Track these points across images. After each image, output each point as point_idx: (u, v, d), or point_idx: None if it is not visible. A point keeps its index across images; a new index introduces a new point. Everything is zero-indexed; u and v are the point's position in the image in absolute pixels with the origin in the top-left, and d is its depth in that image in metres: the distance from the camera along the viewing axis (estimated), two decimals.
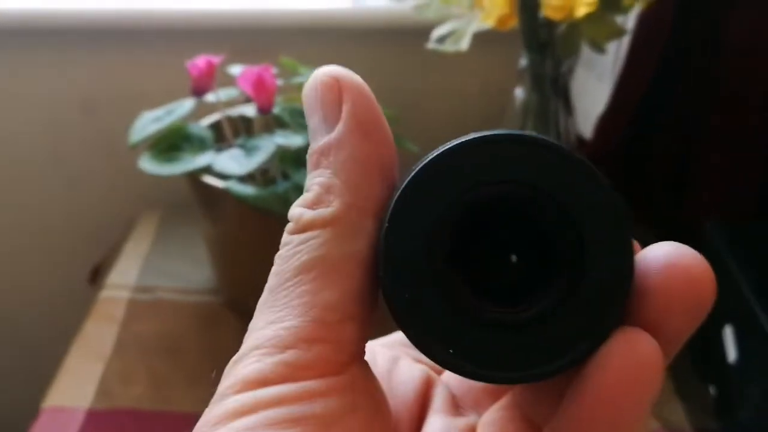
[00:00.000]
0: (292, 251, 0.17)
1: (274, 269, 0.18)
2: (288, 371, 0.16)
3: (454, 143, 0.17)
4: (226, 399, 0.16)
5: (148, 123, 0.62)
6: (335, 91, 0.18)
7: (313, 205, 0.17)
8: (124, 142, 0.62)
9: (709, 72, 0.69)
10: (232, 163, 0.58)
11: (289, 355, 0.16)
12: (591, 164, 0.17)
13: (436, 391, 0.21)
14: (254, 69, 0.59)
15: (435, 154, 0.17)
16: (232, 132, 0.64)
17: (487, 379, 0.17)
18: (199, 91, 0.61)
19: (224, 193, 0.58)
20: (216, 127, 0.64)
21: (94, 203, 0.89)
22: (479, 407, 0.20)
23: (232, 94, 0.64)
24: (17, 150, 0.87)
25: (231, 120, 0.65)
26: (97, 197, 0.89)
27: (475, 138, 0.17)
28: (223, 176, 0.59)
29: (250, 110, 0.63)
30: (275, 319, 0.17)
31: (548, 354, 0.16)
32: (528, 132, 0.17)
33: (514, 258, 0.18)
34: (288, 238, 0.18)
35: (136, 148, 0.61)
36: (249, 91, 0.59)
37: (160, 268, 0.74)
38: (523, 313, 0.17)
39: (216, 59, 0.62)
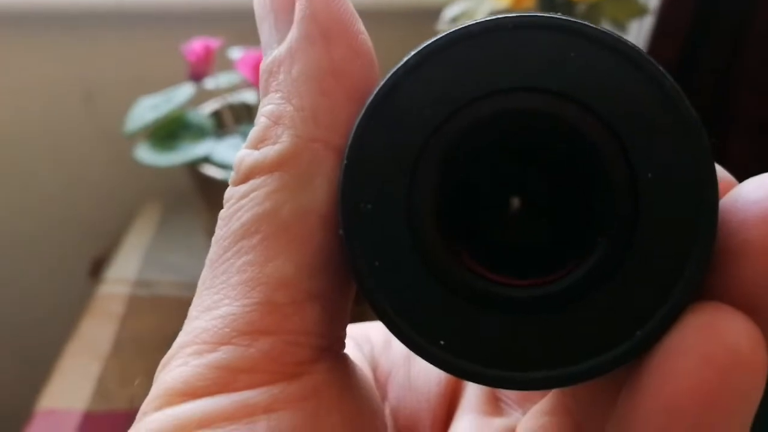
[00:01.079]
0: (232, 209, 0.13)
1: (215, 235, 0.13)
2: (222, 377, 0.12)
3: (446, 33, 0.12)
4: (145, 418, 0.12)
5: (146, 111, 0.59)
6: None
7: (258, 143, 0.13)
8: (123, 131, 0.59)
9: (736, 54, 0.66)
10: (232, 152, 0.55)
11: (222, 354, 0.12)
12: (659, 67, 0.11)
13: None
14: (255, 52, 0.56)
15: (416, 51, 0.12)
16: (233, 119, 0.61)
17: (496, 382, 0.12)
18: (196, 77, 0.58)
19: (224, 184, 0.55)
20: (217, 114, 0.61)
21: (94, 194, 0.87)
22: (527, 402, 0.15)
23: (233, 80, 0.61)
24: (13, 140, 0.84)
25: (233, 107, 0.62)
26: (97, 188, 0.87)
27: (477, 24, 0.11)
28: (223, 166, 0.56)
29: (251, 96, 0.60)
30: (211, 304, 0.13)
31: (588, 344, 0.11)
32: (561, 15, 0.12)
33: (533, 206, 0.12)
34: (230, 192, 0.13)
35: (134, 137, 0.58)
36: (249, 75, 0.56)
37: (161, 262, 0.72)
38: (550, 287, 0.11)
39: (214, 43, 0.58)
